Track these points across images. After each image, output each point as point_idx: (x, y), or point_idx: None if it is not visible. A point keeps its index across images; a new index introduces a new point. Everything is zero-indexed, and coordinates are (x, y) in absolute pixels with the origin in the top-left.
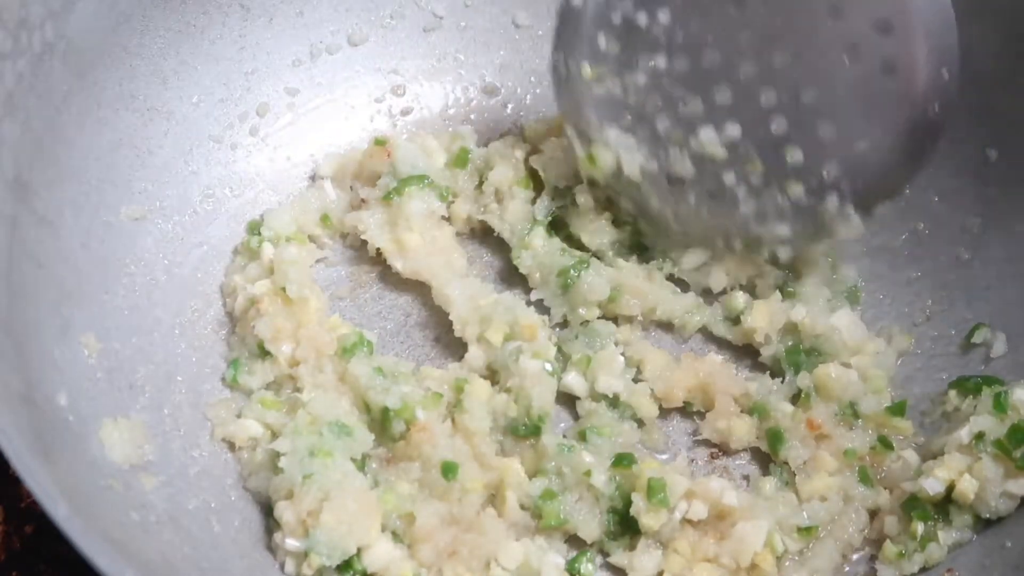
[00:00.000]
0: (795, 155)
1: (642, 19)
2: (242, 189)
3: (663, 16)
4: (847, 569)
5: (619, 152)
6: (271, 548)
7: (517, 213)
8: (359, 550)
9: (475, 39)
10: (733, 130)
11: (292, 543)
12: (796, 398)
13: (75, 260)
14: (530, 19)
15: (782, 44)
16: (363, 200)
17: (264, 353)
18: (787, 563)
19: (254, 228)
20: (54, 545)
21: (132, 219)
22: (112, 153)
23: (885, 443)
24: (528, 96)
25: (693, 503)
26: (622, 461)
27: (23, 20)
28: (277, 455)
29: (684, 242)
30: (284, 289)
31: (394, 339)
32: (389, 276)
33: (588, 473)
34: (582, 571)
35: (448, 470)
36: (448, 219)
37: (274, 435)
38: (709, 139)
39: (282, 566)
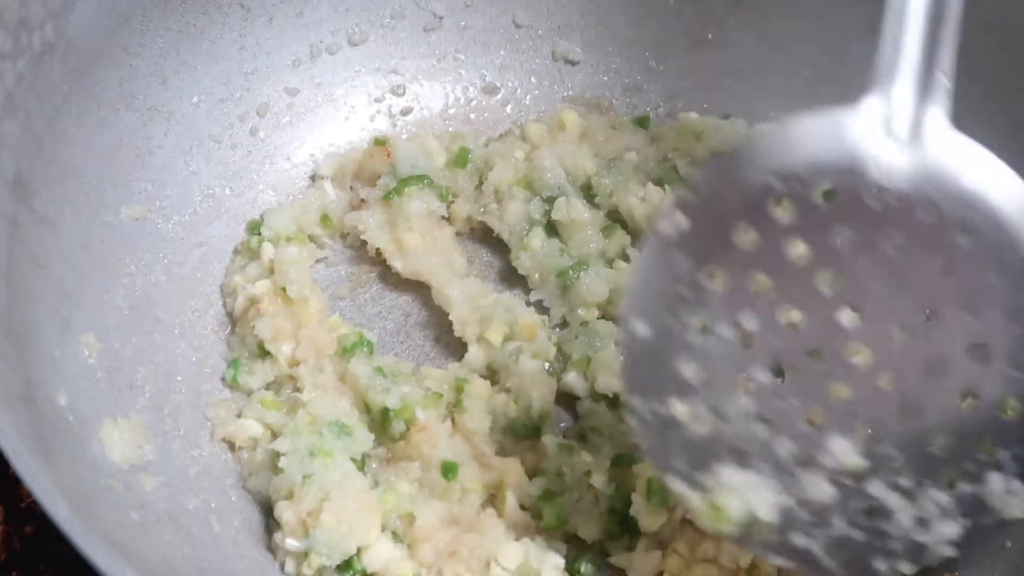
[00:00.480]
0: (940, 441)
1: (725, 331)
2: (242, 189)
3: (749, 322)
4: None
5: (745, 494)
6: (271, 548)
7: (516, 214)
8: (359, 550)
9: (475, 39)
10: (863, 432)
11: (292, 543)
12: None
13: (75, 260)
14: (530, 19)
15: (893, 318)
16: (363, 200)
17: (264, 353)
18: None
19: (254, 228)
20: (54, 545)
21: (132, 219)
22: (112, 153)
23: None
24: (528, 96)
25: None
26: (622, 461)
27: (23, 20)
28: (277, 455)
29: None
30: (284, 289)
31: (394, 339)
32: (389, 276)
33: (588, 473)
34: (582, 571)
35: (448, 470)
36: (448, 219)
37: (274, 435)
38: (842, 448)
39: (282, 566)
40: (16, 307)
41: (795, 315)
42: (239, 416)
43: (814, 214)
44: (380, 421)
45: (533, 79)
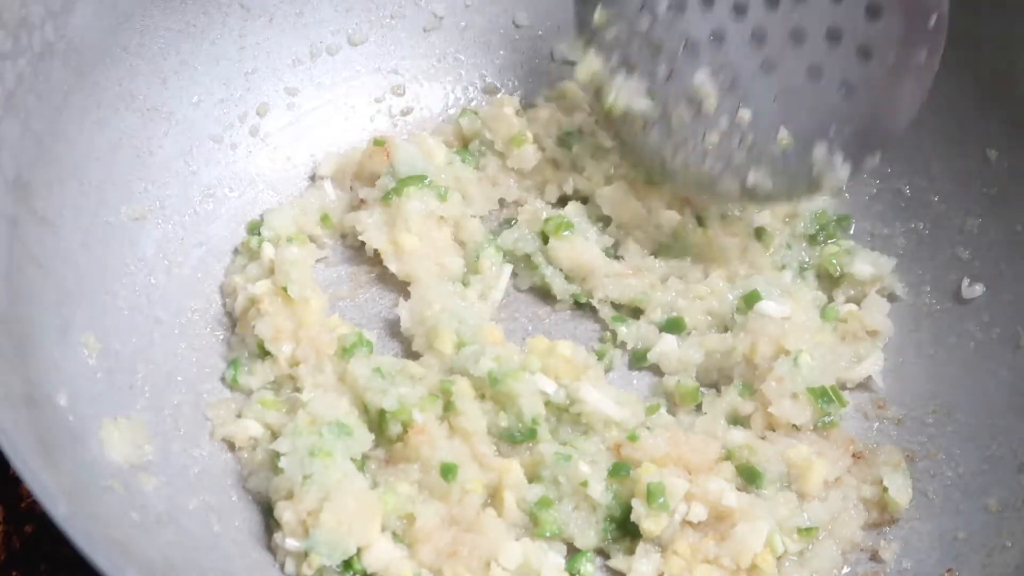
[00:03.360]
0: (784, 98)
1: None
2: (242, 189)
3: None
4: (847, 569)
5: (629, 96)
6: (271, 548)
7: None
8: (359, 550)
9: (475, 39)
10: (727, 73)
11: (292, 543)
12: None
13: (75, 260)
14: (530, 19)
15: None
16: (362, 200)
17: (264, 353)
18: (787, 563)
19: (254, 228)
20: (54, 545)
21: (132, 219)
22: (112, 153)
23: None
24: (528, 96)
25: (693, 505)
26: (619, 471)
27: (23, 20)
28: (277, 455)
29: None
30: (285, 289)
31: (394, 339)
32: (389, 276)
33: (585, 484)
34: (582, 571)
35: (447, 471)
36: (447, 219)
37: (274, 435)
38: (702, 82)
39: (282, 566)
40: (16, 307)
41: None
42: (239, 416)
43: None
44: (378, 422)
45: (533, 79)
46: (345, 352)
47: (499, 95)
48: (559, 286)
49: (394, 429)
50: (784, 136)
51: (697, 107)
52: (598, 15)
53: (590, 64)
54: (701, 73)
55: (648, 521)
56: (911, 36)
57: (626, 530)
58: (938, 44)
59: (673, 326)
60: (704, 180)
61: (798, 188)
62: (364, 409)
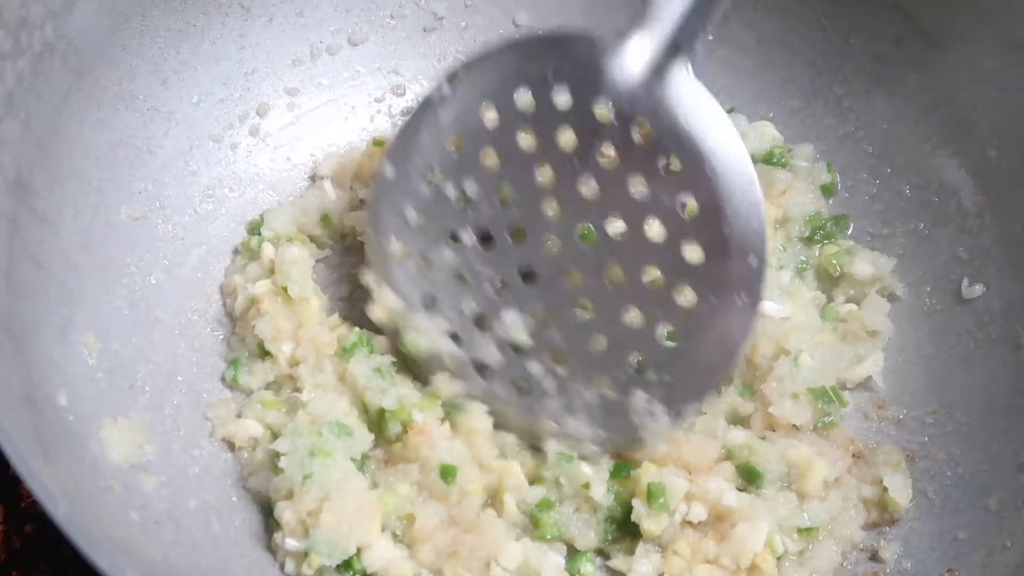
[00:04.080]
0: (599, 343)
1: (450, 190)
2: (242, 189)
3: (470, 186)
4: (847, 569)
5: (431, 337)
6: (271, 548)
7: None
8: (359, 550)
9: (475, 39)
10: (538, 314)
11: (292, 543)
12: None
13: (75, 260)
14: (530, 19)
15: (588, 217)
16: (362, 200)
17: (264, 353)
18: (787, 563)
19: (254, 228)
20: (54, 545)
21: (132, 219)
22: (112, 153)
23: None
24: None
25: (693, 505)
26: (620, 472)
27: (23, 20)
28: (277, 455)
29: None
30: (285, 289)
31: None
32: None
33: (587, 486)
34: (582, 571)
35: (446, 473)
36: None
37: (274, 435)
38: (513, 323)
39: (282, 566)
40: (16, 307)
41: (509, 193)
42: (239, 416)
43: (549, 113)
44: (377, 422)
45: None
46: (345, 352)
47: None
48: None
49: (394, 429)
50: (603, 382)
51: (507, 350)
52: (394, 246)
53: (386, 301)
54: (511, 314)
55: (648, 521)
56: (730, 279)
57: (626, 530)
58: (759, 283)
59: None
60: (520, 423)
61: (618, 438)
62: (364, 409)
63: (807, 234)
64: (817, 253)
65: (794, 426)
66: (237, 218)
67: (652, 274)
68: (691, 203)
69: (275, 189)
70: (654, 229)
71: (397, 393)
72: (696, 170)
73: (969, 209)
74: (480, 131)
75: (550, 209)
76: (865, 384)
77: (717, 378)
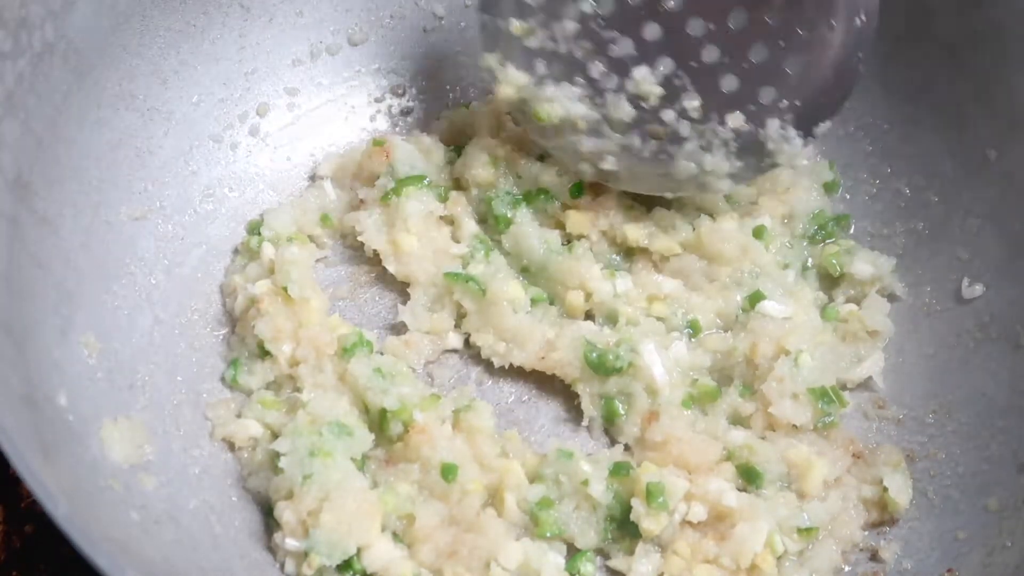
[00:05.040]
0: (730, 83)
1: None
2: (242, 189)
3: None
4: (847, 569)
5: (563, 103)
6: (271, 548)
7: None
8: (359, 550)
9: (475, 39)
10: (666, 65)
11: (292, 543)
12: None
13: (75, 260)
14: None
15: None
16: (361, 200)
17: (264, 353)
18: (787, 563)
19: (254, 228)
20: (54, 545)
21: (132, 219)
22: (112, 153)
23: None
24: None
25: (692, 505)
26: (620, 470)
27: (23, 20)
28: (277, 455)
29: (636, 191)
30: (285, 289)
31: (394, 339)
32: (389, 276)
33: (586, 483)
34: (582, 571)
35: (447, 472)
36: (446, 219)
37: (274, 435)
38: (643, 77)
39: (282, 566)
40: (16, 307)
41: None
42: (239, 416)
43: None
44: (378, 422)
45: None
46: (345, 352)
47: None
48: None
49: (395, 429)
50: (737, 118)
51: (638, 104)
52: (516, 27)
53: (514, 79)
54: (641, 70)
55: (648, 521)
56: (849, 2)
57: (626, 530)
58: (876, 2)
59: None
60: (655, 175)
61: (756, 165)
62: (364, 409)
63: (811, 232)
64: (819, 252)
65: (794, 426)
66: (237, 218)
67: (774, 8)
68: None
69: (275, 189)
70: None
71: (398, 393)
72: None
73: (969, 209)
74: None
75: None
76: (865, 384)
77: (843, 95)
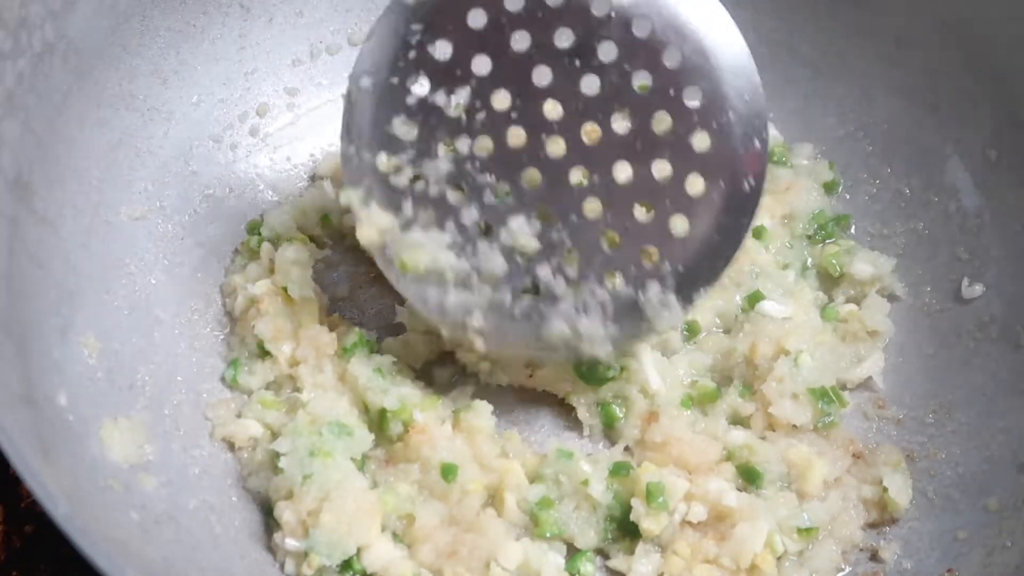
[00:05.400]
0: (612, 240)
1: (440, 99)
2: (242, 189)
3: (462, 94)
4: (847, 569)
5: (431, 251)
6: (271, 548)
7: None
8: (359, 550)
9: None
10: (545, 217)
11: (292, 543)
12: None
13: (75, 260)
14: None
15: (591, 116)
16: None
17: (264, 353)
18: (787, 563)
19: (254, 228)
20: (54, 545)
21: (132, 219)
22: (112, 153)
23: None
24: None
25: (692, 505)
26: (620, 470)
27: (23, 20)
28: (277, 455)
29: (499, 358)
30: (285, 289)
31: (394, 339)
32: None
33: (586, 483)
34: (582, 571)
35: (447, 472)
36: None
37: (274, 435)
38: (520, 227)
39: (282, 566)
40: (16, 307)
41: (506, 98)
42: (239, 416)
43: (542, 10)
44: (378, 422)
45: None
46: (345, 352)
47: None
48: None
49: (395, 429)
50: (616, 279)
51: (512, 257)
52: (381, 160)
53: (378, 220)
54: (517, 220)
55: (648, 521)
56: (738, 162)
57: (626, 530)
58: (764, 164)
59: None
60: (525, 336)
61: (632, 330)
62: (364, 409)
63: (811, 232)
64: (819, 252)
65: (794, 426)
66: (237, 218)
67: (661, 167)
68: (695, 93)
69: (275, 189)
70: (661, 122)
71: (398, 393)
72: (700, 61)
73: (969, 209)
74: (469, 35)
75: (552, 110)
76: (865, 384)
77: (725, 262)
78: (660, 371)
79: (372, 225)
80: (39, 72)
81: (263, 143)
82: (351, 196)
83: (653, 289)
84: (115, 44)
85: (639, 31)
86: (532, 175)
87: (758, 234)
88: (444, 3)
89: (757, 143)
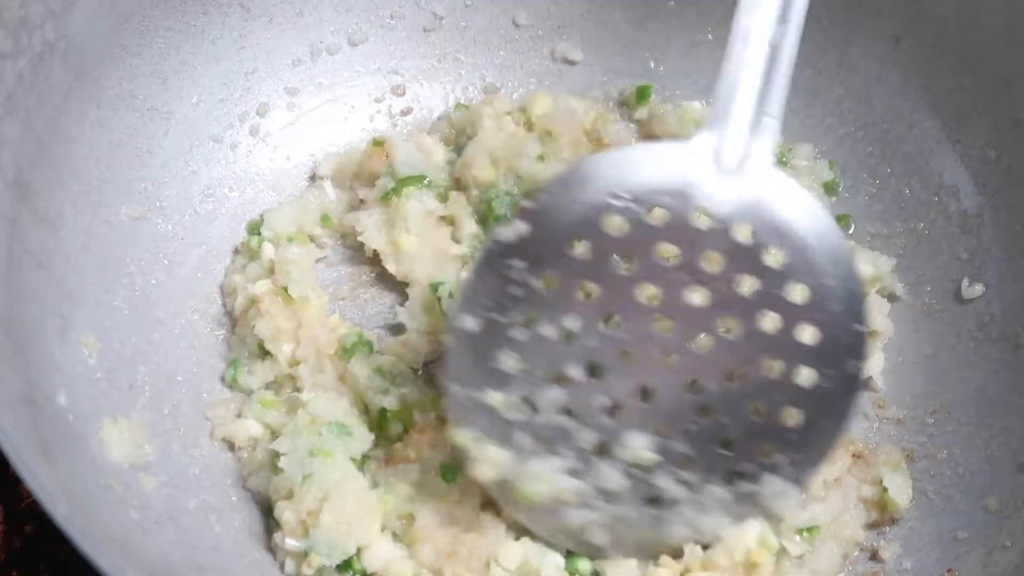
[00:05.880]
0: (729, 443)
1: (547, 329)
2: (242, 189)
3: (570, 321)
4: (847, 569)
5: (548, 479)
6: (271, 548)
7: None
8: (359, 550)
9: (475, 39)
10: (660, 429)
11: (292, 543)
12: None
13: (75, 260)
14: (530, 19)
15: (700, 327)
16: (361, 200)
17: (264, 353)
18: (787, 564)
19: (254, 228)
20: (54, 545)
21: (132, 219)
22: (112, 153)
23: None
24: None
25: None
26: None
27: (23, 20)
28: (277, 455)
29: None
30: (285, 289)
31: (394, 339)
32: (389, 276)
33: None
34: (581, 571)
35: (448, 472)
36: (446, 219)
37: (274, 435)
38: (638, 444)
39: (282, 566)
40: (16, 307)
41: (615, 321)
42: (239, 416)
43: (644, 231)
44: (378, 422)
45: (533, 79)
46: (345, 352)
47: (499, 95)
48: None
49: (395, 429)
50: (734, 479)
51: (631, 472)
52: (492, 398)
53: (493, 457)
54: (634, 435)
55: None
56: (843, 349)
57: None
58: (865, 344)
59: None
60: (646, 540)
61: (749, 515)
62: (364, 409)
63: None
64: None
65: None
66: (237, 218)
67: (770, 365)
68: (799, 290)
69: (275, 189)
70: (767, 321)
71: (398, 393)
72: (802, 257)
73: (969, 209)
74: (573, 265)
75: (661, 326)
76: (865, 384)
77: (836, 441)
78: None
79: (490, 464)
80: (39, 72)
81: (263, 143)
82: (463, 437)
83: (770, 482)
84: (115, 44)
85: (742, 237)
86: (647, 392)
87: None
88: (546, 237)
89: (858, 326)
